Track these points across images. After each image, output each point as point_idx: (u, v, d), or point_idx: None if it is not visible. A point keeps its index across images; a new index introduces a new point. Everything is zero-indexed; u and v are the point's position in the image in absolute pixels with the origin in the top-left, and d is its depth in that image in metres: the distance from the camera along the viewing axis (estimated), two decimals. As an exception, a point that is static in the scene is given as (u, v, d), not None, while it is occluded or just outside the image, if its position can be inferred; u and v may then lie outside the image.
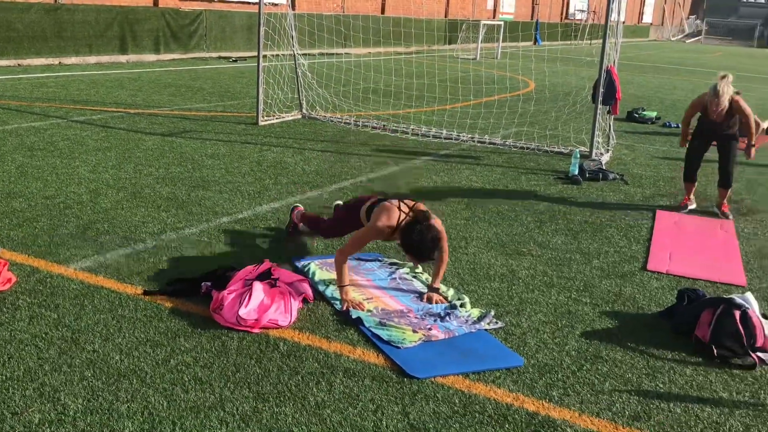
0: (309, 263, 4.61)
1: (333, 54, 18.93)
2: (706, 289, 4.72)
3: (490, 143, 9.11)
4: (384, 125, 9.74)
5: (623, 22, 9.93)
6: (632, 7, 55.48)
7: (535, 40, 35.00)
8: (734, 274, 5.02)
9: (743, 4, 79.48)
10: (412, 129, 9.56)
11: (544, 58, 23.32)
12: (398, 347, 3.58)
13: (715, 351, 3.73)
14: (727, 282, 4.87)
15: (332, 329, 3.83)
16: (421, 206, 4.19)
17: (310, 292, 4.11)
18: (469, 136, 9.34)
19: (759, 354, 3.78)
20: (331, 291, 4.19)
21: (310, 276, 4.42)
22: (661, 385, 3.47)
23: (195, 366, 3.35)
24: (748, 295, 4.02)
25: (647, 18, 60.68)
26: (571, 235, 5.69)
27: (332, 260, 4.44)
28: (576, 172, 7.53)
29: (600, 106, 8.11)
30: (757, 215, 6.60)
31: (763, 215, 6.61)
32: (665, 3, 63.62)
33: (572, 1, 45.19)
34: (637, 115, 11.89)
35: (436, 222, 4.05)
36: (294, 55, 9.95)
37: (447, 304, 4.14)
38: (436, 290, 4.25)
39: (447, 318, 3.94)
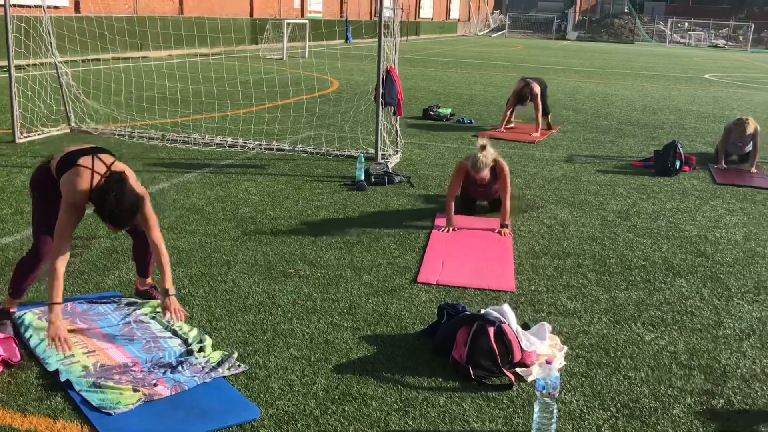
0: (25, 313, 3.91)
1: (128, 58, 17.70)
2: (474, 298, 4.55)
3: (278, 150, 8.66)
4: (163, 135, 9.01)
5: (401, 21, 9.84)
6: (439, 4, 57.33)
7: (346, 38, 35.08)
8: (504, 279, 4.89)
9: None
10: (195, 138, 8.91)
11: (354, 56, 23.29)
12: (110, 413, 3.03)
13: (471, 373, 3.50)
14: (497, 289, 4.72)
15: (34, 398, 3.19)
16: (119, 165, 3.69)
17: (15, 351, 3.45)
18: (257, 142, 8.84)
19: (517, 370, 3.60)
20: (43, 348, 3.54)
21: (22, 329, 3.73)
22: (411, 422, 3.16)
23: None
24: (505, 307, 3.84)
25: (454, 14, 62.96)
26: (346, 249, 5.36)
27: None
28: (362, 178, 7.26)
29: (383, 107, 7.90)
30: (535, 211, 6.62)
31: (540, 211, 6.64)
32: (470, -1, 66.36)
33: (381, -2, 45.79)
34: (432, 113, 11.91)
35: (136, 186, 3.61)
36: (55, 64, 8.96)
37: (183, 350, 3.63)
38: (167, 292, 3.77)
39: (179, 368, 3.43)
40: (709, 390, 3.57)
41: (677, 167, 8.50)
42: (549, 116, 11.22)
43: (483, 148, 5.95)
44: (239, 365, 3.53)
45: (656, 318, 4.40)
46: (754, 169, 8.70)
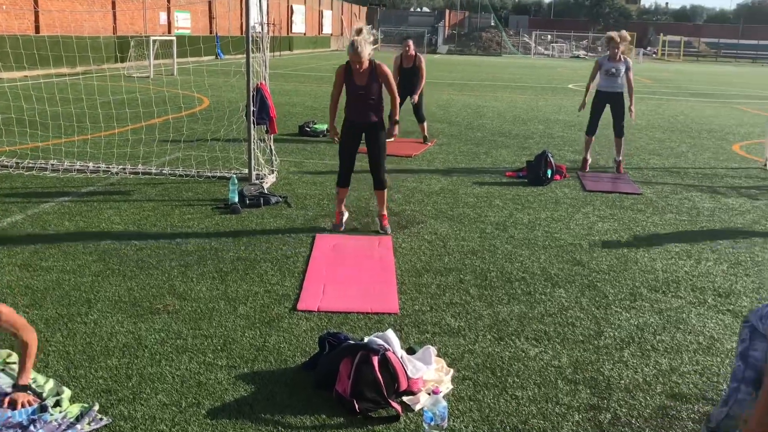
0: None
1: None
2: (358, 323, 4.37)
3: (144, 173, 8.19)
4: (17, 162, 8.33)
5: (271, 36, 9.59)
6: (312, 19, 57.29)
7: (217, 55, 34.34)
8: (388, 301, 4.74)
9: (411, 14, 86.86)
10: (52, 164, 8.29)
11: (224, 72, 22.73)
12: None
13: (357, 407, 3.30)
14: (381, 311, 4.56)
15: None
16: None
17: None
18: (120, 167, 8.33)
19: (404, 399, 3.44)
20: None
21: None
22: (293, 469, 2.93)
23: None
24: (389, 333, 3.68)
25: (327, 29, 63.15)
26: (219, 278, 5.05)
27: None
28: (235, 200, 6.94)
29: (255, 125, 7.63)
30: (415, 227, 6.54)
31: (420, 226, 6.56)
32: (342, 14, 66.76)
33: (251, 13, 45.23)
34: (308, 129, 11.71)
35: None
36: None
37: (36, 406, 3.23)
38: (25, 388, 3.32)
39: (32, 426, 3.05)
40: (596, 404, 3.54)
41: (549, 176, 8.69)
42: (425, 127, 11.35)
43: (359, 32, 5.89)
44: (101, 418, 3.18)
45: (539, 331, 4.37)
46: (621, 171, 9.06)
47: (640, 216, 7.28)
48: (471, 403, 3.49)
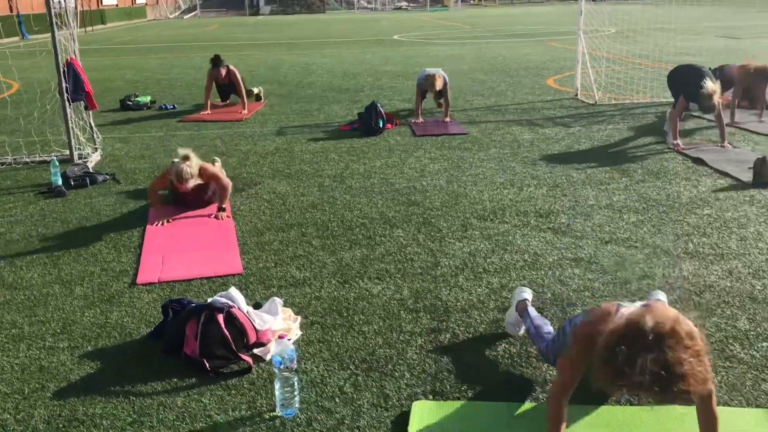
0: None
1: None
2: (202, 288, 4.36)
3: (-47, 167, 7.58)
4: None
5: (77, 9, 9.08)
6: (124, -11, 54.28)
7: (22, 35, 31.89)
8: (230, 263, 4.75)
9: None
10: None
11: (29, 53, 21.16)
12: None
13: (207, 365, 3.34)
14: (224, 274, 4.57)
15: None
16: None
17: None
18: (-75, 162, 7.66)
19: (255, 351, 3.51)
20: None
21: None
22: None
23: None
24: (232, 290, 3.71)
25: (142, -1, 60.09)
26: (51, 263, 4.84)
27: None
28: (59, 182, 6.60)
29: (70, 103, 7.25)
30: (253, 188, 6.53)
31: (258, 187, 6.56)
32: (156, -18, 63.72)
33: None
34: (130, 102, 11.24)
35: None
36: None
37: None
38: None
39: None
40: (436, 327, 3.78)
41: (380, 126, 8.91)
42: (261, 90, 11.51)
43: (186, 158, 5.66)
44: (-67, 421, 3.02)
45: (381, 270, 4.56)
46: (447, 119, 9.40)
47: (467, 154, 7.66)
48: (320, 344, 3.62)
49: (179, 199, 5.97)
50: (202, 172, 5.74)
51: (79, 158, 7.45)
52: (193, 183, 5.67)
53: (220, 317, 3.42)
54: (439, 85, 9.27)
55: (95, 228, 5.55)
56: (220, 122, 9.85)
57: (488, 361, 3.45)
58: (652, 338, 2.16)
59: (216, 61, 10.35)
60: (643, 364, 2.12)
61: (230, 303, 3.54)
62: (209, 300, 3.60)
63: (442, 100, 9.62)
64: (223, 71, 10.38)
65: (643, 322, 2.20)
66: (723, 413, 2.89)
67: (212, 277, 4.53)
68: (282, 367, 2.95)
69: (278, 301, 3.83)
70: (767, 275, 4.32)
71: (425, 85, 9.37)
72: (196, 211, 5.87)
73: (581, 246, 4.89)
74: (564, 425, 2.64)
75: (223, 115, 10.22)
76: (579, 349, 2.56)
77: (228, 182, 5.90)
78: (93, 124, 7.97)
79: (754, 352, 3.44)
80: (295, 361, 2.98)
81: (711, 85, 7.25)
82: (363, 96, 11.89)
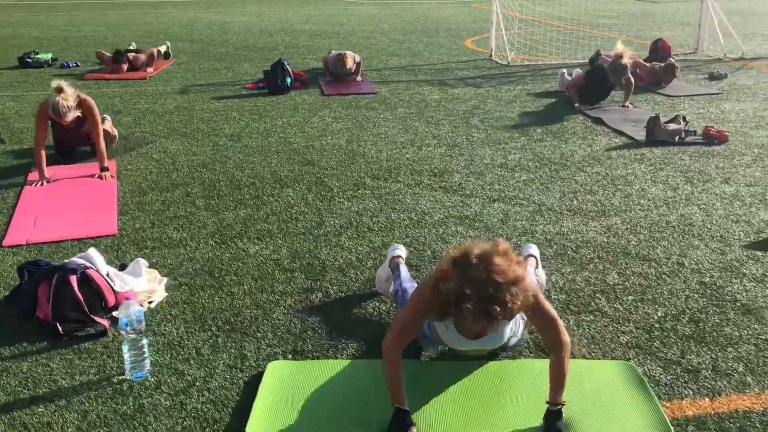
0: None
1: None
2: (72, 250, 4.17)
3: None
4: None
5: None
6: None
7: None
8: (106, 224, 4.55)
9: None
10: None
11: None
12: None
13: (60, 329, 3.19)
14: (96, 235, 4.38)
15: None
16: None
17: None
18: None
19: (114, 314, 3.36)
20: None
21: None
22: (-15, 401, 2.78)
23: None
24: (91, 251, 3.55)
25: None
26: None
27: None
28: (-64, 142, 6.24)
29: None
30: (144, 148, 6.29)
31: (149, 147, 6.33)
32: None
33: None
34: (30, 60, 10.70)
35: None
36: None
37: None
38: None
39: None
40: (309, 287, 3.70)
41: (288, 84, 8.71)
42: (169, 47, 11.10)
43: (60, 90, 5.40)
44: None
45: (262, 231, 4.45)
46: (359, 77, 9.24)
47: (373, 113, 7.56)
48: (185, 306, 3.50)
49: (59, 134, 5.77)
50: (80, 102, 5.54)
51: (-39, 117, 7.03)
52: (72, 116, 5.47)
53: (74, 279, 3.26)
54: (349, 64, 9.07)
55: (-32, 189, 5.27)
56: (122, 80, 9.47)
57: (357, 319, 3.40)
58: (477, 261, 2.48)
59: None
60: (470, 277, 2.43)
61: (86, 264, 3.39)
62: (64, 261, 3.43)
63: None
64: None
65: (470, 249, 2.53)
66: (578, 365, 2.92)
67: (84, 238, 4.34)
68: (129, 329, 2.83)
69: (142, 262, 3.69)
70: (644, 231, 4.39)
71: (336, 66, 9.12)
72: (79, 171, 5.62)
73: (468, 204, 4.88)
74: (401, 363, 2.66)
75: (126, 75, 9.82)
76: (421, 292, 2.69)
77: (114, 132, 5.72)
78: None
79: (618, 306, 3.49)
80: (143, 323, 2.87)
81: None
82: (276, 54, 11.58)
